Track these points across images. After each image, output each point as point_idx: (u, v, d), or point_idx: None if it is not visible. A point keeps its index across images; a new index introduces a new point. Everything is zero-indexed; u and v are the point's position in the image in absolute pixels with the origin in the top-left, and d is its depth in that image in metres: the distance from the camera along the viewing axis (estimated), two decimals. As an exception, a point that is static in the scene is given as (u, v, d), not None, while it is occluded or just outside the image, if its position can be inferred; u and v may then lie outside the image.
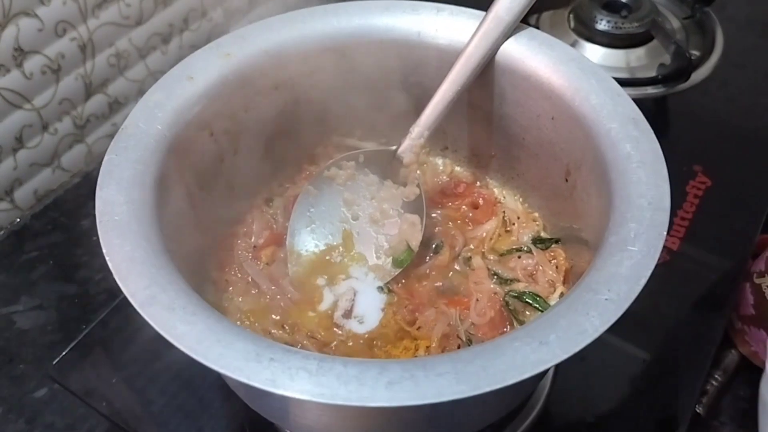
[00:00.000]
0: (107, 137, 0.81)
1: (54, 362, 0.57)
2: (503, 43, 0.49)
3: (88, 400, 0.55)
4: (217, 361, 0.32)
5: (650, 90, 0.76)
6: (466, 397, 0.32)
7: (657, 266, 0.37)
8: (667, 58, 0.77)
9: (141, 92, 0.82)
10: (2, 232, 0.73)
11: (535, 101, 0.49)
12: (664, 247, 0.63)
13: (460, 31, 0.51)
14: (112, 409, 0.55)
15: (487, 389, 0.32)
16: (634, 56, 0.79)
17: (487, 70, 0.50)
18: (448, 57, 0.50)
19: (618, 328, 0.34)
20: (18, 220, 0.74)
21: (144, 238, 0.38)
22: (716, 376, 0.59)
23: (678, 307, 0.61)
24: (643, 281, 0.36)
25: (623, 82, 0.74)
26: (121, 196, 0.40)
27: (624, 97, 0.45)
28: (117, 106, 0.81)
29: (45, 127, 0.73)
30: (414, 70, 0.53)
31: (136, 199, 0.40)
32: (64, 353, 0.57)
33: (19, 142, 0.71)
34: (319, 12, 0.52)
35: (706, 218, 0.66)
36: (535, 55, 0.49)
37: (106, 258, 0.37)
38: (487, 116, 0.53)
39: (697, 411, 0.57)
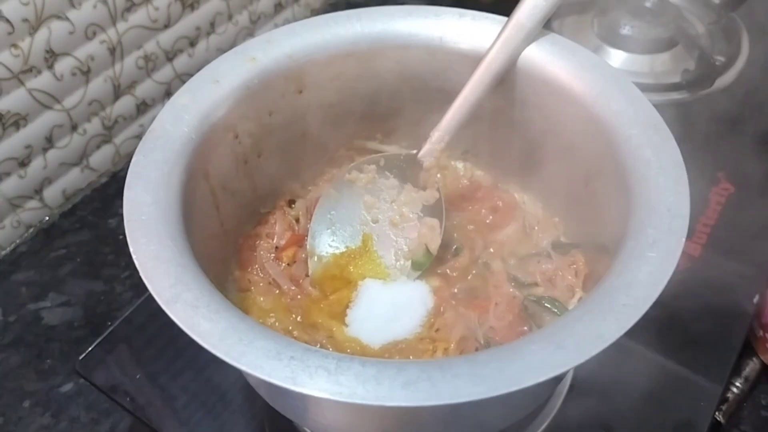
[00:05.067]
0: (134, 138, 0.83)
1: (80, 358, 0.58)
2: (525, 48, 0.49)
3: (112, 396, 0.56)
4: (239, 358, 0.33)
5: (674, 95, 0.75)
6: (483, 399, 0.32)
7: (678, 272, 0.37)
8: (691, 64, 0.77)
9: (168, 94, 0.84)
10: (32, 230, 0.75)
11: (556, 106, 0.49)
12: (686, 253, 0.63)
13: (482, 37, 0.51)
14: (136, 405, 0.56)
15: (504, 391, 0.32)
16: (658, 61, 0.78)
17: (508, 75, 0.50)
18: (469, 62, 0.50)
19: (637, 333, 0.35)
20: (47, 218, 0.76)
21: (169, 237, 0.39)
22: (737, 384, 0.59)
23: (698, 314, 0.60)
24: (661, 287, 0.36)
25: (647, 88, 0.74)
26: (148, 197, 0.41)
27: (645, 103, 0.45)
28: (144, 108, 0.82)
29: (74, 128, 0.75)
30: (436, 74, 0.54)
31: (162, 199, 0.41)
32: (89, 349, 0.59)
33: (49, 142, 0.73)
34: (343, 17, 0.52)
35: (729, 225, 0.66)
36: (556, 61, 0.49)
37: (133, 257, 0.38)
38: (508, 121, 0.53)
39: (717, 419, 0.56)
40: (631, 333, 0.35)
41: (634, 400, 0.56)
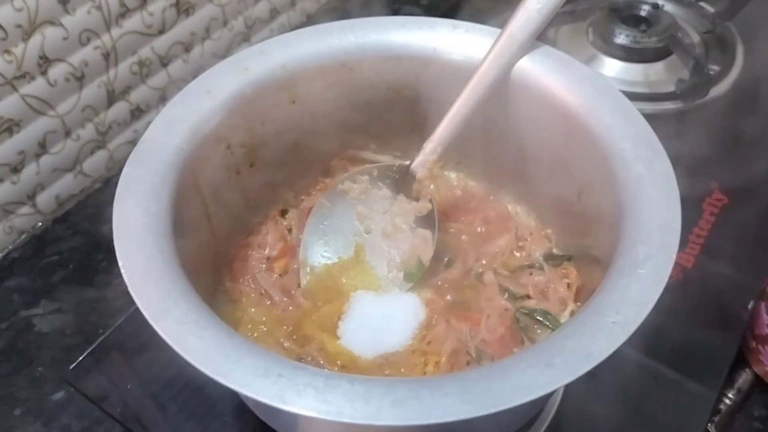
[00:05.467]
0: (128, 144, 0.82)
1: (71, 367, 0.58)
2: (518, 60, 0.49)
3: (103, 405, 0.56)
4: (226, 376, 0.33)
5: (669, 105, 0.75)
6: (472, 418, 0.32)
7: (671, 284, 0.37)
8: (686, 73, 0.77)
9: (162, 100, 0.84)
10: (24, 236, 0.75)
11: (549, 119, 0.49)
12: (679, 264, 0.63)
13: (475, 48, 0.51)
14: (126, 415, 0.56)
15: (493, 410, 0.32)
16: (652, 71, 0.78)
17: (501, 87, 0.50)
18: (463, 73, 0.50)
19: (630, 344, 0.35)
20: (40, 224, 0.76)
21: (159, 251, 0.39)
22: (730, 396, 0.59)
23: (691, 325, 0.60)
24: (651, 305, 0.36)
25: (641, 97, 0.75)
26: (138, 209, 0.40)
27: (638, 118, 0.45)
28: (139, 114, 0.82)
29: (68, 134, 0.75)
30: (429, 85, 0.54)
31: (152, 212, 0.41)
32: (80, 358, 0.58)
33: (43, 147, 0.73)
34: (336, 28, 0.52)
35: (722, 236, 0.66)
36: (549, 74, 0.49)
37: (122, 271, 0.37)
38: (502, 132, 0.53)
39: (709, 430, 0.56)
40: (625, 342, 0.35)
41: (626, 411, 0.56)
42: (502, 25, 0.49)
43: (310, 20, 1.01)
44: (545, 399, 0.50)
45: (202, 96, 0.48)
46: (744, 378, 0.60)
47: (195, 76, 0.50)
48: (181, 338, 0.34)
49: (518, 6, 0.48)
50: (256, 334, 0.49)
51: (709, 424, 0.56)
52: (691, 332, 0.60)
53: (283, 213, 0.57)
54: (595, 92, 0.47)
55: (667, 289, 0.37)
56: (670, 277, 0.37)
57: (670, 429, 0.55)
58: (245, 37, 0.92)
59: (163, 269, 0.38)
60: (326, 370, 0.46)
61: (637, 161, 0.43)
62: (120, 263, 0.38)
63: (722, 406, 0.58)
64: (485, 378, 0.33)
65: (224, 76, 0.49)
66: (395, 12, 0.98)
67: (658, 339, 0.57)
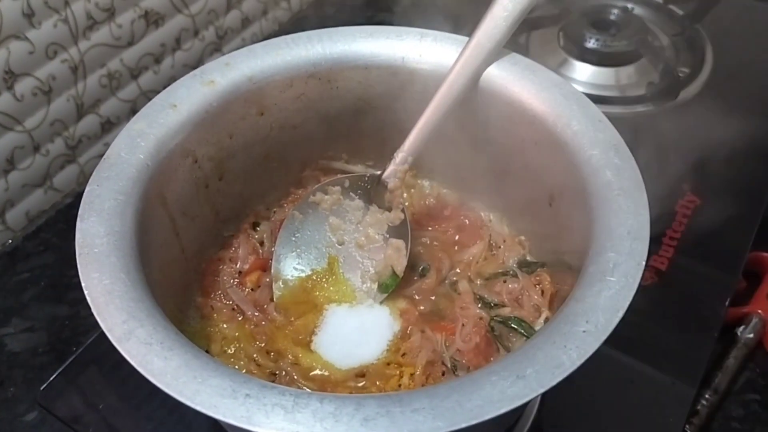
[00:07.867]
0: (100, 157, 0.80)
1: (41, 388, 0.57)
2: (486, 69, 0.49)
3: (75, 427, 0.55)
4: (192, 397, 0.32)
5: (639, 108, 0.76)
6: (443, 432, 0.32)
7: (646, 286, 0.37)
8: (656, 76, 0.77)
9: (133, 112, 0.83)
10: (-6, 254, 0.73)
11: (519, 126, 0.49)
12: (653, 267, 0.64)
13: (443, 57, 0.51)
14: (100, 435, 0.55)
15: (463, 425, 0.32)
16: (623, 74, 0.79)
17: (471, 95, 0.50)
18: (432, 82, 0.50)
19: (607, 348, 0.35)
20: (10, 241, 0.74)
21: (123, 270, 0.38)
22: (707, 396, 0.59)
23: (667, 327, 0.61)
24: (621, 312, 0.36)
25: (613, 100, 0.75)
26: (101, 228, 0.40)
27: (605, 124, 0.45)
28: (109, 126, 0.81)
29: (37, 149, 0.74)
30: (398, 94, 0.54)
31: (116, 230, 0.40)
32: (51, 379, 0.57)
33: (11, 163, 0.72)
34: (303, 39, 0.52)
35: (695, 237, 0.66)
36: (517, 81, 0.49)
37: (85, 292, 0.37)
38: (472, 140, 0.53)
39: (687, 431, 0.56)
40: (601, 345, 0.35)
41: (605, 413, 0.56)
42: (469, 34, 0.49)
43: (282, 29, 1.00)
44: (521, 407, 0.50)
45: (166, 110, 0.47)
46: (720, 378, 0.60)
47: (166, 87, 0.49)
48: (146, 360, 0.34)
49: (485, 14, 0.48)
50: (228, 351, 0.48)
51: (687, 425, 0.56)
52: (667, 334, 0.60)
53: (255, 226, 0.56)
54: (562, 98, 0.47)
55: (643, 292, 0.37)
56: (645, 280, 0.38)
57: (648, 430, 0.55)
58: (217, 47, 0.91)
59: (127, 289, 0.37)
60: (300, 385, 0.46)
61: (606, 168, 0.43)
62: (83, 284, 0.37)
63: (699, 407, 0.58)
64: (455, 392, 0.33)
65: (189, 89, 0.48)
66: (369, 19, 0.98)
67: (636, 341, 0.57)
